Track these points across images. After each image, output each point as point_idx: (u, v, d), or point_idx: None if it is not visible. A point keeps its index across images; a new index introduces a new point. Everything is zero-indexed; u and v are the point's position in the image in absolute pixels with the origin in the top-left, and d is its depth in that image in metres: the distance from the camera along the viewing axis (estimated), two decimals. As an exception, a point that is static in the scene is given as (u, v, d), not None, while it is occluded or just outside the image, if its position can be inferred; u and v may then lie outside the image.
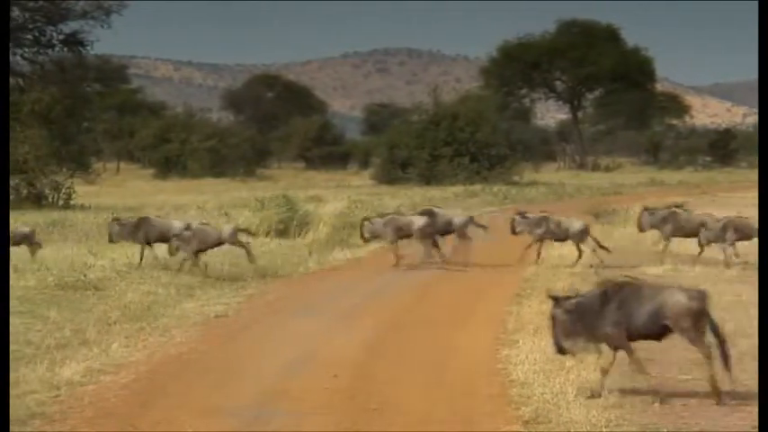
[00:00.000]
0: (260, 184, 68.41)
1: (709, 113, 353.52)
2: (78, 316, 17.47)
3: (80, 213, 40.34)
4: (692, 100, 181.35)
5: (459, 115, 72.99)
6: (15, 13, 61.37)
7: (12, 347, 14.37)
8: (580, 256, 25.06)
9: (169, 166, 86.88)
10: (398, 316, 18.61)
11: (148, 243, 24.31)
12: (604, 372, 12.33)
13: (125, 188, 67.18)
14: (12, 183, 44.35)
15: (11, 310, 17.13)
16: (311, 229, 32.14)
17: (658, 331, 12.21)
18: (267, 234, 31.80)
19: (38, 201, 45.32)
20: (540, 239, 25.62)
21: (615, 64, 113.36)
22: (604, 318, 12.15)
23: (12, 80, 60.56)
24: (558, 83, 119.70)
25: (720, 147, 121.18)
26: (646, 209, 26.94)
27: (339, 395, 12.55)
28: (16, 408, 11.67)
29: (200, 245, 23.40)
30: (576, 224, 25.84)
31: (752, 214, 24.82)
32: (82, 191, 51.15)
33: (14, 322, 16.41)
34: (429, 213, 26.19)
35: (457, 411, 11.90)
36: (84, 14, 63.68)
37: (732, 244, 24.89)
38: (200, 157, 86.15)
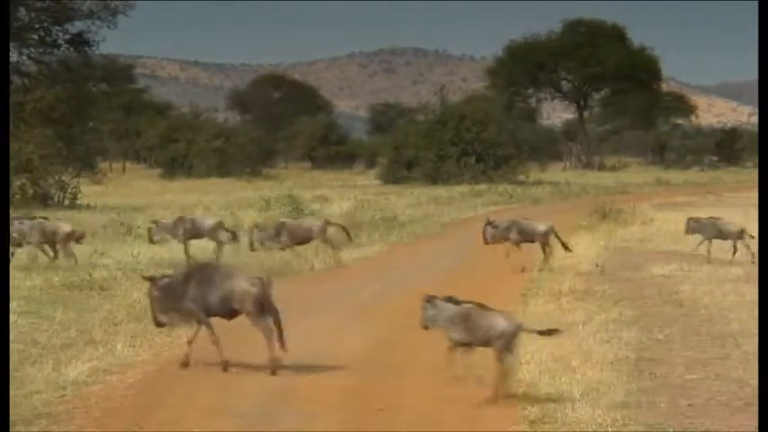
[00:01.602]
0: (266, 184, 68.46)
1: (714, 113, 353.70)
2: (84, 316, 17.47)
3: (86, 213, 40.37)
4: (698, 100, 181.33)
5: (466, 115, 72.99)
6: (21, 12, 61.42)
7: (18, 347, 14.40)
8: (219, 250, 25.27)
9: (175, 165, 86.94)
10: (403, 316, 18.61)
11: None
12: (190, 343, 13.69)
13: (131, 188, 67.22)
14: (17, 182, 44.39)
15: (17, 310, 17.17)
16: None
17: (229, 311, 13.63)
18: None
19: (44, 200, 45.33)
20: (182, 241, 25.62)
21: (621, 63, 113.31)
22: (186, 295, 13.56)
23: (17, 80, 60.66)
24: (564, 82, 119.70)
25: (726, 146, 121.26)
26: (256, 226, 26.98)
27: (344, 395, 12.55)
28: (22, 407, 11.68)
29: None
30: (208, 221, 26.10)
31: (754, 214, 24.81)
32: (88, 190, 51.19)
33: (20, 322, 16.43)
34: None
35: (463, 411, 11.90)
36: (90, 14, 63.72)
37: (517, 244, 25.04)
38: (207, 156, 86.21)
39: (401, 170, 72.43)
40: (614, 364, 13.97)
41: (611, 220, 36.54)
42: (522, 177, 72.99)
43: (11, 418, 11.12)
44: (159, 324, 13.94)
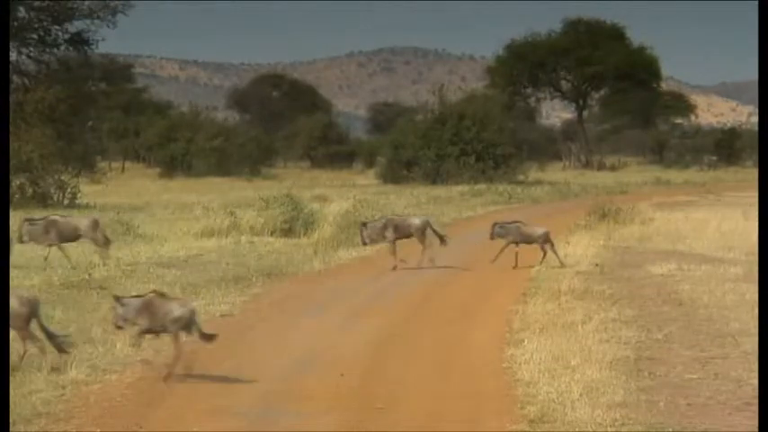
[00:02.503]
0: (265, 183, 68.38)
1: (714, 113, 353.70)
2: (83, 315, 17.48)
3: (85, 212, 40.33)
4: (698, 99, 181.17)
5: (465, 114, 72.93)
6: (21, 12, 61.46)
7: (17, 346, 14.38)
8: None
9: (174, 165, 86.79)
10: (404, 315, 18.62)
11: None
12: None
13: (130, 187, 67.15)
14: (17, 182, 44.39)
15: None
16: (316, 229, 32.12)
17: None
18: (272, 233, 31.79)
19: (43, 200, 45.30)
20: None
21: (621, 63, 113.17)
22: None
23: (17, 79, 60.69)
24: (563, 82, 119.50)
25: (726, 146, 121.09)
26: (26, 220, 26.11)
27: (345, 394, 12.55)
28: (22, 407, 11.69)
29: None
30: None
31: (754, 213, 24.82)
32: (87, 190, 51.14)
33: (20, 321, 16.41)
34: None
35: (462, 410, 11.91)
36: (89, 14, 63.76)
37: (392, 242, 25.14)
38: (206, 156, 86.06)
39: (400, 170, 72.32)
40: (613, 363, 13.97)
41: (611, 220, 36.48)
42: (521, 177, 72.92)
43: (11, 417, 11.13)
44: None
